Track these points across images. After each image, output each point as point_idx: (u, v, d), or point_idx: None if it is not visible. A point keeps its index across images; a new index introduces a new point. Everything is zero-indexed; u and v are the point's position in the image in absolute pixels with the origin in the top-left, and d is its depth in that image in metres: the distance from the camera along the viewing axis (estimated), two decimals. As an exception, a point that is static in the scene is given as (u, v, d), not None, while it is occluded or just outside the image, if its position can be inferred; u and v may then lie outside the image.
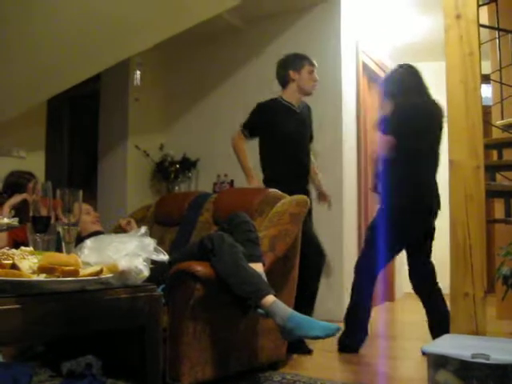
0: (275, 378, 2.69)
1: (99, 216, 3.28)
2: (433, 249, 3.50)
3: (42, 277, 1.43)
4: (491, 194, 3.21)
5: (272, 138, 3.62)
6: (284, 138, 3.58)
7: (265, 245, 2.70)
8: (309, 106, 3.81)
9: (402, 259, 6.14)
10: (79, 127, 5.95)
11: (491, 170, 3.39)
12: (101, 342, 2.58)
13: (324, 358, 3.26)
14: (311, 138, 3.83)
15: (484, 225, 2.39)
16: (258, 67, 4.99)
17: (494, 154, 3.90)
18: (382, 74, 5.70)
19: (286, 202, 3.00)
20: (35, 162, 4.55)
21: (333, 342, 3.34)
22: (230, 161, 4.97)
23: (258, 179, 3.63)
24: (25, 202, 3.04)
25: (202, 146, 5.18)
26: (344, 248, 4.52)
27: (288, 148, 3.59)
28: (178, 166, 5.16)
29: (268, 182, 3.59)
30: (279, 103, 3.66)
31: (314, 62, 3.68)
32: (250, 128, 3.67)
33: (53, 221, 1.86)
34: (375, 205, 5.48)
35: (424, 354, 2.12)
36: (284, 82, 3.70)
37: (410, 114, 3.25)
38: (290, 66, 3.67)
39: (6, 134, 4.38)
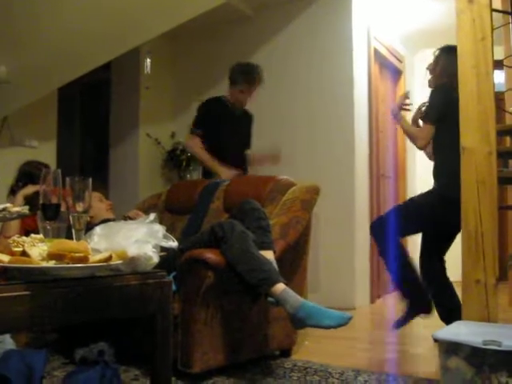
0: (286, 365, 2.70)
1: (112, 204, 3.30)
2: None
3: (52, 263, 1.44)
4: (504, 180, 3.18)
5: (211, 133, 3.89)
6: (221, 135, 3.87)
7: (276, 232, 2.70)
8: (251, 114, 4.08)
9: (414, 248, 6.14)
10: (90, 116, 5.96)
11: (504, 156, 3.35)
12: (113, 329, 2.60)
13: (335, 345, 3.27)
14: (248, 145, 4.11)
15: (496, 211, 2.37)
16: (268, 54, 4.97)
17: (507, 140, 3.86)
18: (394, 60, 5.66)
19: (297, 189, 2.99)
20: (47, 151, 4.57)
21: (344, 329, 3.34)
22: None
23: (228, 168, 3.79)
24: (38, 193, 3.06)
25: (213, 133, 5.17)
26: (356, 236, 4.50)
27: (223, 145, 3.86)
28: (189, 154, 5.15)
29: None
30: (222, 102, 3.95)
31: (253, 80, 3.88)
32: (198, 124, 3.93)
33: (63, 209, 1.87)
34: (387, 191, 5.47)
35: (436, 340, 2.11)
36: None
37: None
38: (232, 77, 3.94)
39: (18, 124, 4.40)
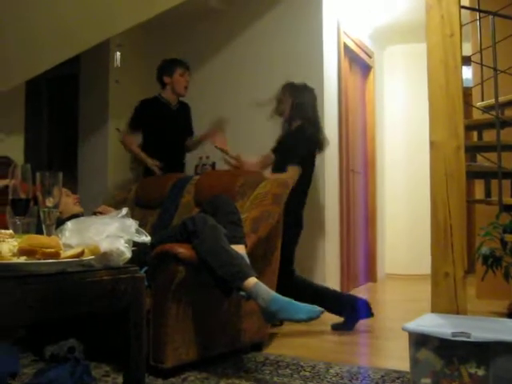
0: (258, 359, 2.71)
1: (79, 197, 3.25)
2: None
3: (23, 259, 1.42)
4: (471, 174, 3.23)
5: (149, 131, 4.12)
6: (159, 132, 4.07)
7: (247, 226, 2.71)
8: (187, 105, 4.32)
9: (382, 240, 6.21)
10: (59, 110, 5.86)
11: (472, 150, 3.41)
12: (83, 325, 2.57)
13: (306, 338, 3.29)
14: (190, 132, 4.35)
15: (464, 205, 2.41)
16: (238, 48, 4.96)
17: (475, 135, 3.93)
18: (363, 55, 5.71)
19: (268, 183, 3.00)
20: (14, 145, 4.49)
21: (315, 323, 3.37)
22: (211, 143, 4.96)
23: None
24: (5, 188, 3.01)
25: (184, 128, 5.13)
26: (326, 230, 4.54)
27: (162, 141, 4.08)
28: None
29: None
30: (158, 101, 4.14)
31: (187, 64, 4.16)
32: (133, 124, 4.17)
33: (33, 204, 1.84)
34: (357, 187, 5.51)
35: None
36: (161, 84, 4.18)
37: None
38: (164, 71, 4.15)
39: (-16, 117, 4.31)
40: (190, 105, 4.37)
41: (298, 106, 3.76)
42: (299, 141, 3.67)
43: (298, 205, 3.61)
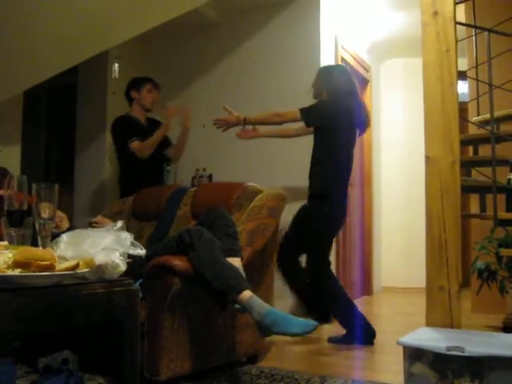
0: (253, 372, 2.70)
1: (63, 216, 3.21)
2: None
3: (17, 271, 1.42)
4: (467, 189, 3.25)
5: (122, 149, 4.15)
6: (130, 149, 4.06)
7: (243, 239, 2.70)
8: (159, 122, 4.32)
9: (378, 254, 6.21)
10: (56, 120, 5.88)
11: (467, 165, 3.43)
12: (77, 337, 2.56)
13: (301, 351, 3.28)
14: (167, 146, 4.35)
15: (459, 219, 2.42)
16: (235, 62, 4.98)
17: (470, 150, 3.95)
18: (361, 70, 5.73)
19: (264, 196, 3.00)
20: (11, 155, 4.48)
21: (310, 336, 3.36)
22: (208, 155, 4.98)
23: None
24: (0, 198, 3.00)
25: (181, 139, 5.14)
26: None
27: (135, 157, 4.08)
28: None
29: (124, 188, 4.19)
30: (127, 119, 4.18)
31: (157, 83, 4.29)
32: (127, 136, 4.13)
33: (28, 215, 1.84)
34: (353, 199, 5.52)
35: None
36: (129, 100, 4.28)
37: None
38: (132, 86, 4.21)
39: (-19, 127, 4.31)
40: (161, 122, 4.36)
41: (324, 83, 3.72)
42: (322, 107, 3.62)
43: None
